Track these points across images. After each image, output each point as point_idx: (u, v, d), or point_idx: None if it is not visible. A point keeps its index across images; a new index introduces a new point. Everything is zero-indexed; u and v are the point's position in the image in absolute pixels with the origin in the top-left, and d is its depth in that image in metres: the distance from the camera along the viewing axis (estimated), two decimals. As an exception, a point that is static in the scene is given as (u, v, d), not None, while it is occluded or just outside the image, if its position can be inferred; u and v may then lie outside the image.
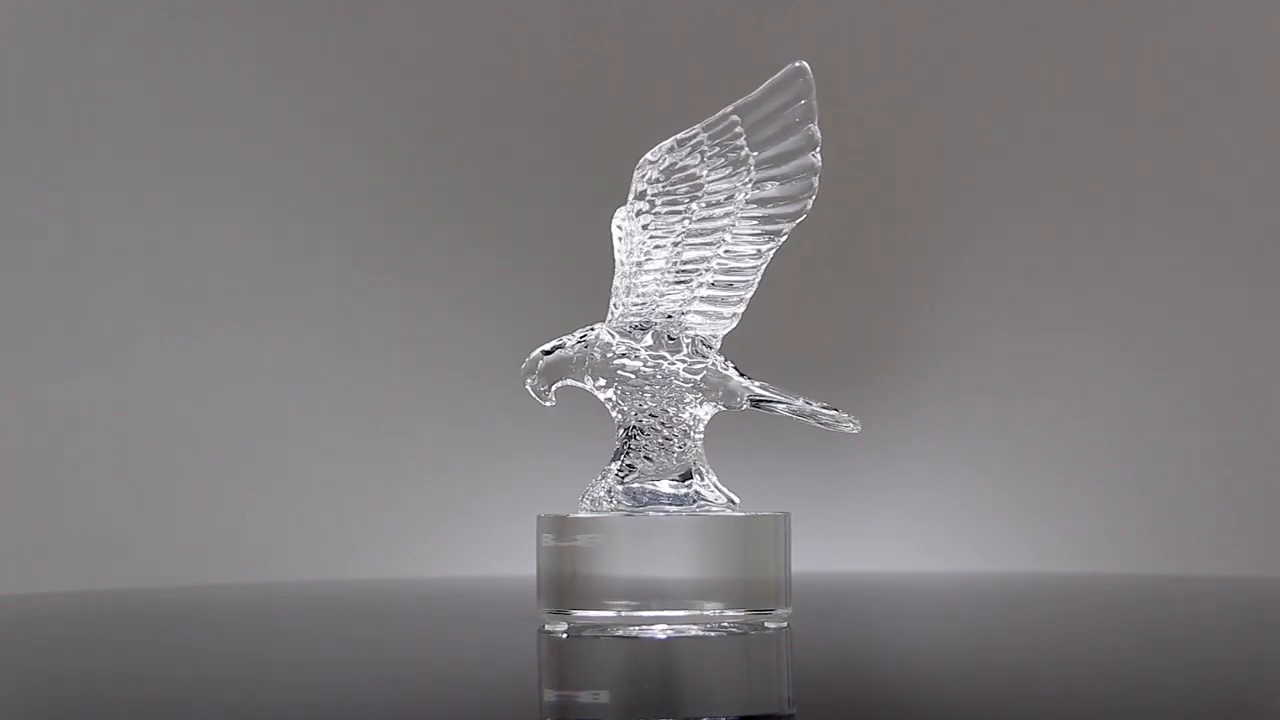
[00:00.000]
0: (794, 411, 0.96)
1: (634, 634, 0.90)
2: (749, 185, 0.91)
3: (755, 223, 0.92)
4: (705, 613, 0.91)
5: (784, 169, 0.91)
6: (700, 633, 0.90)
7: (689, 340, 0.94)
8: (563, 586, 0.92)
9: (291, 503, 1.67)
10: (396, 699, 0.78)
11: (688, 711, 0.74)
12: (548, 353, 0.95)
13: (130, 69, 1.68)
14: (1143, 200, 1.70)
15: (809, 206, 0.92)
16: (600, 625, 0.91)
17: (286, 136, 1.70)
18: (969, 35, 1.72)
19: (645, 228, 0.92)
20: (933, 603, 1.27)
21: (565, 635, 0.91)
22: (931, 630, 1.09)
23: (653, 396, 0.94)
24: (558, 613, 0.92)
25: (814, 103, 0.90)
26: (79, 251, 1.67)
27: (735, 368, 0.96)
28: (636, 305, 0.94)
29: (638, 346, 0.94)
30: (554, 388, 0.95)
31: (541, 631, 0.93)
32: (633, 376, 0.94)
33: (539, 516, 0.93)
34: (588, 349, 0.95)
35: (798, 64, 0.90)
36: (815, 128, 0.90)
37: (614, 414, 0.95)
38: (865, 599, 1.30)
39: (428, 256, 1.70)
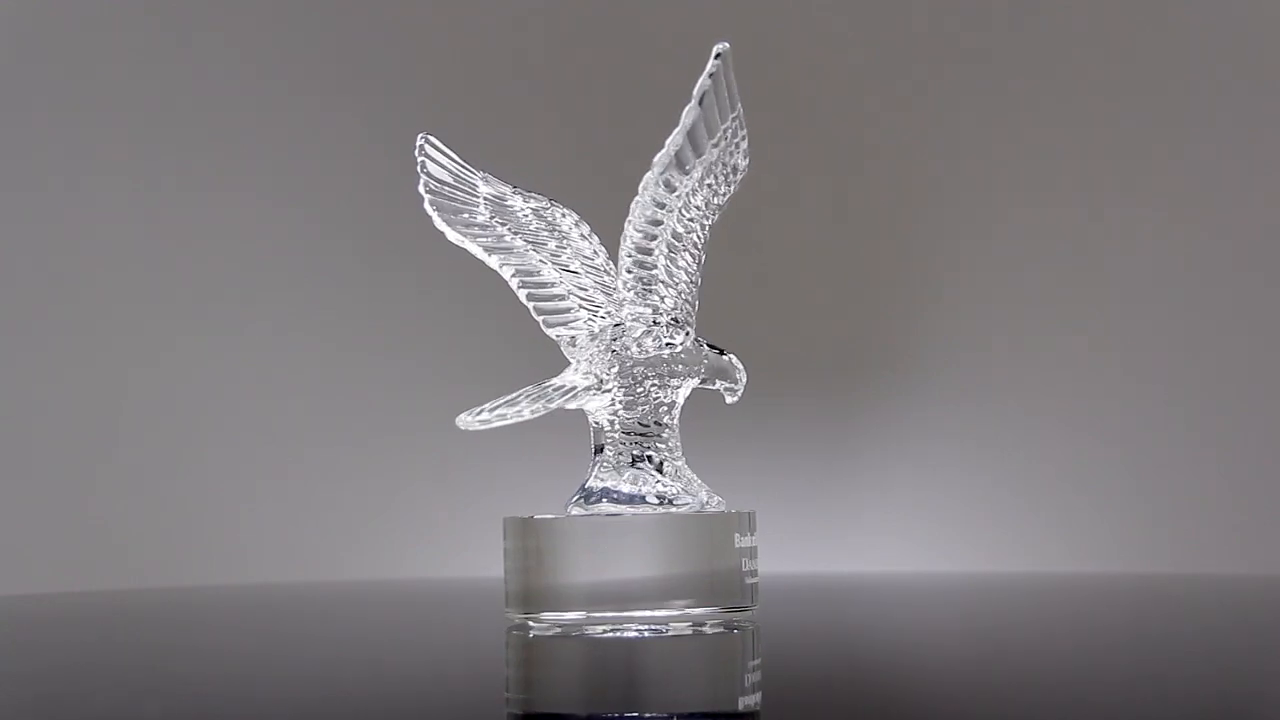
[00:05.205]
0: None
1: (598, 634, 0.90)
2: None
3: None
4: (670, 612, 0.90)
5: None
6: (665, 632, 0.90)
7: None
8: (528, 588, 0.92)
9: (291, 504, 1.67)
10: (361, 699, 0.78)
11: (651, 709, 0.73)
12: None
13: (130, 69, 1.68)
14: (1144, 201, 1.70)
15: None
16: (565, 626, 0.91)
17: (287, 138, 1.70)
18: (974, 34, 1.72)
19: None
20: (930, 602, 1.27)
21: (531, 636, 0.91)
22: (923, 629, 1.09)
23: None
24: (525, 614, 0.92)
25: None
26: (79, 252, 1.67)
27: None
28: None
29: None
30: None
31: (509, 633, 0.93)
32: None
33: (504, 519, 0.93)
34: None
35: None
36: None
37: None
38: (862, 599, 1.30)
39: (426, 258, 1.70)
